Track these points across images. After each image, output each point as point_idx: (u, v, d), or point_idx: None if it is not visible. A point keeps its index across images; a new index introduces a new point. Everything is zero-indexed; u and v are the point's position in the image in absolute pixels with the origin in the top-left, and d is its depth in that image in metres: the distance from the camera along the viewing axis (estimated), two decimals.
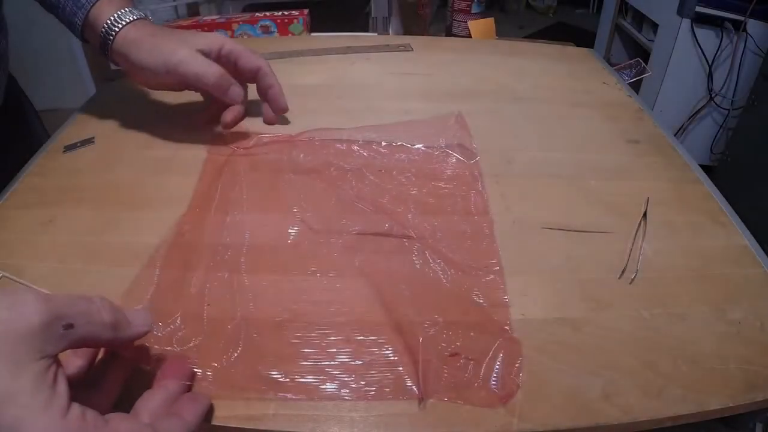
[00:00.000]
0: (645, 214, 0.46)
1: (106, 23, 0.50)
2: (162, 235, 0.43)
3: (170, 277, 0.39)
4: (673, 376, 0.34)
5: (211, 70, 0.50)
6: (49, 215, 0.45)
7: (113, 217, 0.45)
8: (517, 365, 0.34)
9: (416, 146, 0.53)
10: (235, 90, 0.52)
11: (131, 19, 0.51)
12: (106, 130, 0.57)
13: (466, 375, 0.33)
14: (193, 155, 0.52)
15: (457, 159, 0.52)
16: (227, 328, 0.35)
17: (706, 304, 0.39)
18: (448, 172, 0.50)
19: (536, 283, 0.39)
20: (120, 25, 0.50)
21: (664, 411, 0.32)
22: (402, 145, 0.54)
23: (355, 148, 0.53)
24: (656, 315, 0.37)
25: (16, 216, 0.45)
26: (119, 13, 0.50)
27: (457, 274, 0.40)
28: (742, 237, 0.45)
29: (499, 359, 0.34)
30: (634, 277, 0.40)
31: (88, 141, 0.55)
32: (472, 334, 0.35)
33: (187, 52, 0.50)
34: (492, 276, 0.40)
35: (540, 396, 0.32)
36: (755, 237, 0.45)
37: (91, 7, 0.51)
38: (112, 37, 0.50)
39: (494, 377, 0.33)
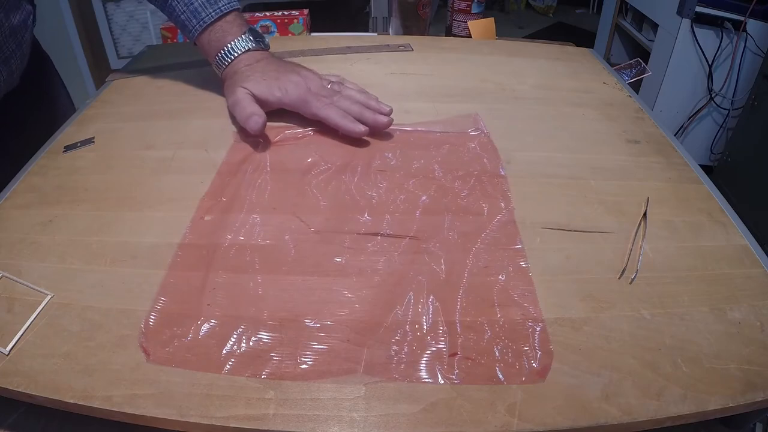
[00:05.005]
0: (645, 214, 0.46)
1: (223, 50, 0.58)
2: (162, 236, 0.43)
3: (175, 277, 0.39)
4: (673, 376, 0.34)
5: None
6: (49, 215, 0.45)
7: (113, 217, 0.45)
8: (537, 341, 0.35)
9: (440, 134, 0.56)
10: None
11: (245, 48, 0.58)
12: (106, 130, 0.57)
13: (498, 357, 0.34)
14: (193, 155, 0.52)
15: (480, 161, 0.52)
16: (227, 328, 0.36)
17: (706, 304, 0.39)
18: (473, 171, 0.51)
19: (536, 283, 0.39)
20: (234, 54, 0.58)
21: (664, 411, 0.32)
22: (429, 135, 0.56)
23: (380, 141, 0.55)
24: (656, 315, 0.37)
25: (16, 216, 0.45)
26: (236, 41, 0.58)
27: (461, 273, 0.40)
28: (742, 237, 0.45)
29: (521, 341, 0.35)
30: (634, 277, 0.40)
31: (88, 141, 0.55)
32: (480, 334, 0.36)
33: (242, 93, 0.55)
34: (502, 276, 0.40)
35: (540, 396, 0.32)
36: (755, 237, 0.45)
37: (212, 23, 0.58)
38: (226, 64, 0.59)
39: (526, 355, 0.34)
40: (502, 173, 0.50)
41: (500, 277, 0.40)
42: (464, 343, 0.35)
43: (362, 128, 0.53)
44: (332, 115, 0.54)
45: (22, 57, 0.62)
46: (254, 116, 0.53)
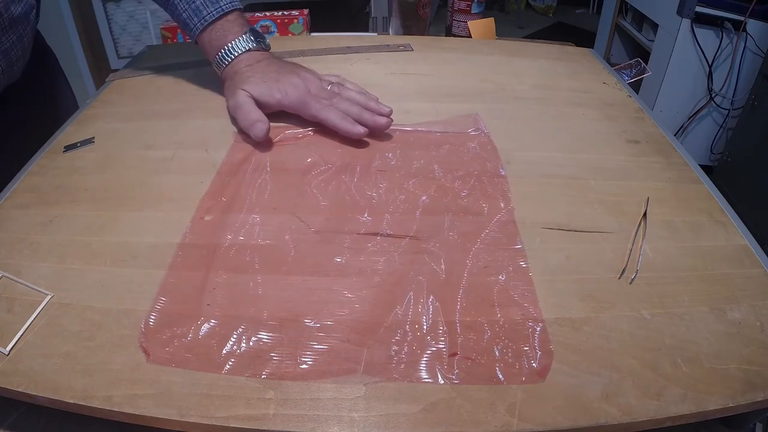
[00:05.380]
0: (645, 214, 0.46)
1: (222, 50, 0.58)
2: (162, 236, 0.43)
3: (175, 277, 0.39)
4: (673, 376, 0.34)
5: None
6: (49, 215, 0.45)
7: (113, 217, 0.45)
8: (537, 341, 0.35)
9: (439, 134, 0.56)
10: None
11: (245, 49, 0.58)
12: (106, 130, 0.57)
13: (498, 357, 0.34)
14: (193, 155, 0.52)
15: (481, 161, 0.52)
16: (227, 328, 0.36)
17: (706, 304, 0.39)
18: (473, 171, 0.51)
19: (536, 283, 0.39)
20: (234, 54, 0.58)
21: (664, 411, 0.32)
22: (427, 136, 0.56)
23: (380, 142, 0.55)
24: (656, 315, 0.37)
25: (16, 216, 0.45)
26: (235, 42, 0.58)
27: (461, 273, 0.40)
28: (742, 237, 0.45)
29: (521, 341, 0.35)
30: (634, 277, 0.40)
31: (88, 141, 0.55)
32: (480, 334, 0.36)
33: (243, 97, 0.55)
34: (502, 276, 0.40)
35: (540, 396, 0.32)
36: (755, 237, 0.45)
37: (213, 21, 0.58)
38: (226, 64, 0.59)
39: (526, 355, 0.34)
40: (502, 173, 0.50)
41: (500, 277, 0.40)
42: (464, 343, 0.35)
43: (361, 130, 0.54)
44: (331, 117, 0.54)
45: (23, 50, 0.62)
46: (258, 123, 0.53)
